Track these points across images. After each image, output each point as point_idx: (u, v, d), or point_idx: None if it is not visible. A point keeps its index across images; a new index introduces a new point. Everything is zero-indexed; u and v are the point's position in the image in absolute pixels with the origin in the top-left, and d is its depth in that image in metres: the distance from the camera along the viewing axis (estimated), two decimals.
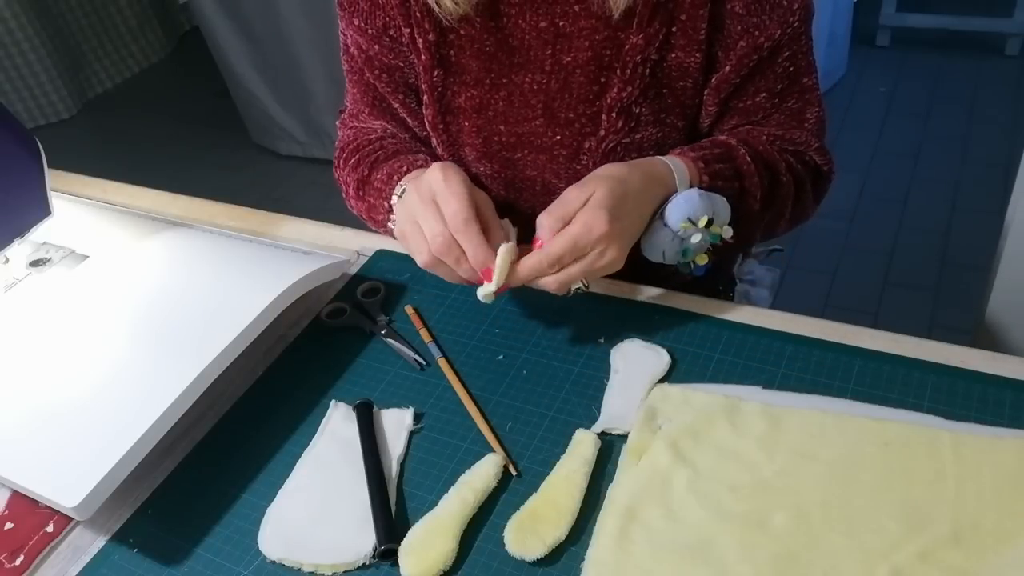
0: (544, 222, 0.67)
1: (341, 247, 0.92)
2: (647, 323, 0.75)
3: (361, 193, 0.84)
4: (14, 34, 3.13)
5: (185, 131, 3.17)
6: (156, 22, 3.72)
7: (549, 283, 0.67)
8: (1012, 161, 1.89)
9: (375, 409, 0.72)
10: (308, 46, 2.47)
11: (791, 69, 0.77)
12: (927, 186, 2.26)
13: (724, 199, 0.72)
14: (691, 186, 0.72)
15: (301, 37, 2.46)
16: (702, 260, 0.72)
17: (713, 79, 0.77)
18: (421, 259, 0.69)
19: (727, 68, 0.76)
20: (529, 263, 0.67)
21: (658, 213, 0.71)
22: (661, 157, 0.74)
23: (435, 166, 0.69)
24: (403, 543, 0.60)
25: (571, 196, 0.67)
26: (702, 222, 0.69)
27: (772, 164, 0.78)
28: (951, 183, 2.25)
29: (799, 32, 0.76)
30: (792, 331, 0.72)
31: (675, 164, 0.72)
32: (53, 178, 0.90)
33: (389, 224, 0.80)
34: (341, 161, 0.90)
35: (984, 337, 1.25)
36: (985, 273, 1.27)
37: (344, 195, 0.90)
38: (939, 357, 0.67)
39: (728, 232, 0.71)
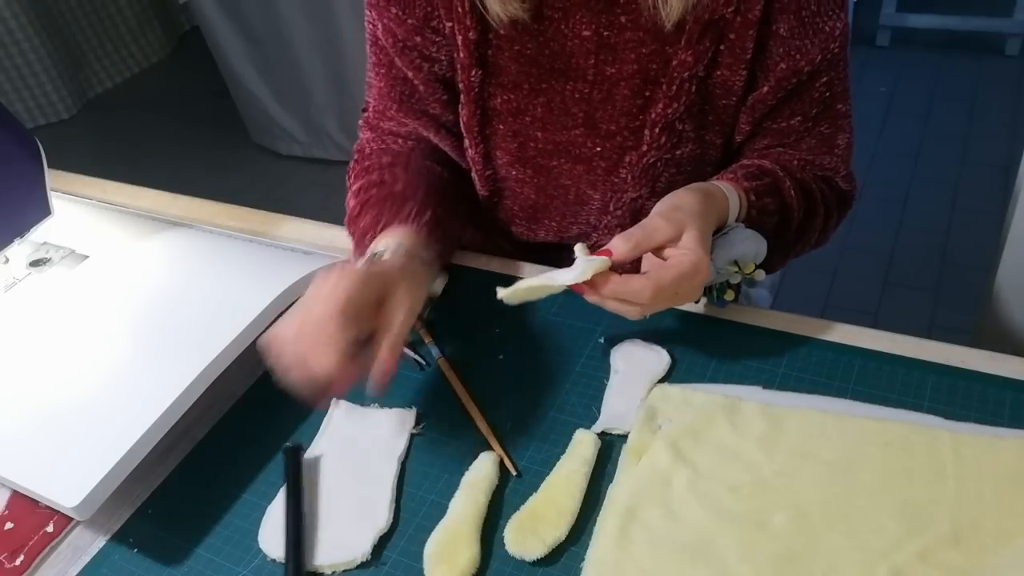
0: (620, 245, 0.63)
1: (341, 247, 0.92)
2: (647, 323, 0.75)
3: (351, 229, 0.82)
4: (14, 34, 3.13)
5: (185, 131, 3.17)
6: (156, 22, 3.72)
7: (633, 313, 0.64)
8: (1012, 161, 1.90)
9: (374, 407, 0.72)
10: (308, 46, 2.47)
11: (827, 95, 0.77)
12: (927, 186, 2.26)
13: (764, 241, 0.71)
14: (738, 217, 0.72)
15: (301, 37, 2.46)
16: (729, 296, 0.73)
17: (750, 99, 0.77)
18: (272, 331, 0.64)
19: (765, 89, 0.75)
20: (631, 287, 0.62)
21: None
22: (719, 184, 0.72)
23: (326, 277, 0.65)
24: (427, 552, 0.60)
25: (657, 225, 0.64)
26: (748, 268, 0.70)
27: (811, 195, 0.78)
28: (951, 183, 2.25)
29: (838, 58, 0.75)
30: (792, 331, 0.72)
31: (730, 194, 0.71)
32: (53, 178, 0.90)
33: None
34: (352, 173, 0.87)
35: (984, 337, 1.25)
36: (985, 273, 1.27)
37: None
38: (939, 357, 0.67)
39: (760, 275, 0.71)
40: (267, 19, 2.47)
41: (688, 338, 0.73)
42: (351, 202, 0.84)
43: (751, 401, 0.65)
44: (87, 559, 0.66)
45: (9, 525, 0.68)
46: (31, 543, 0.66)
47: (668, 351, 0.71)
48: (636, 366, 0.70)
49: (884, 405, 0.64)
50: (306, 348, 0.61)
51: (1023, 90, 2.57)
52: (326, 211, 0.99)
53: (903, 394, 0.65)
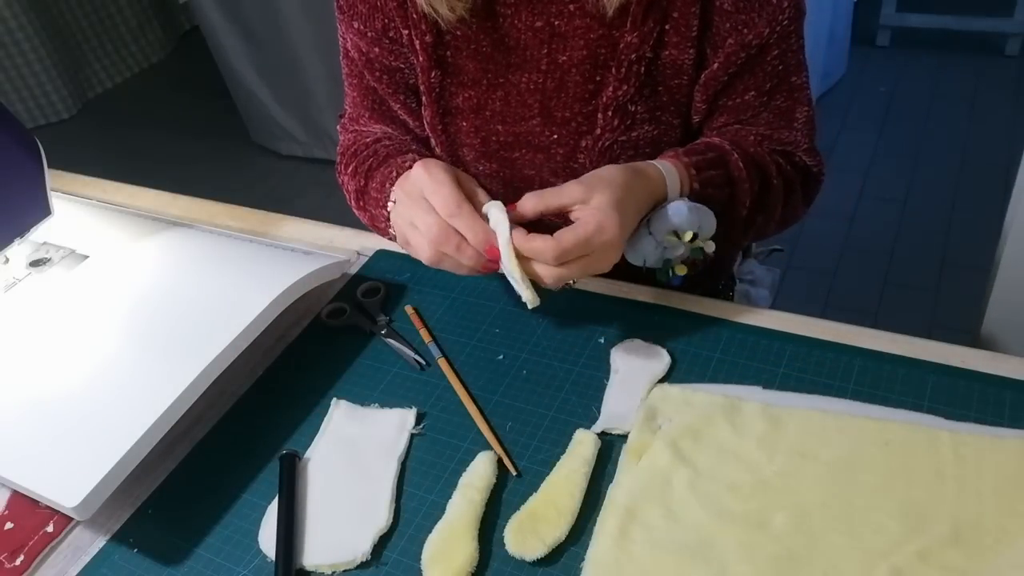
0: (530, 201, 0.66)
1: (341, 247, 0.92)
2: (647, 323, 0.75)
3: (362, 204, 0.84)
4: (14, 34, 3.13)
5: (185, 131, 3.17)
6: (156, 22, 3.72)
7: (545, 275, 0.65)
8: (1012, 161, 1.89)
9: (374, 407, 0.72)
10: (308, 46, 2.47)
11: (780, 68, 0.77)
12: (927, 186, 2.26)
13: (711, 212, 0.71)
14: (681, 192, 0.72)
15: (301, 37, 2.46)
16: (681, 271, 0.72)
17: (702, 76, 0.78)
18: (424, 256, 0.68)
19: (715, 65, 0.76)
20: (534, 245, 0.64)
21: (644, 219, 0.70)
22: (654, 161, 0.73)
23: (417, 165, 0.69)
24: (424, 554, 0.60)
25: (570, 189, 0.66)
26: (686, 236, 0.69)
27: (763, 167, 0.78)
28: (951, 183, 2.25)
29: (789, 31, 0.76)
30: (792, 331, 0.72)
31: (667, 170, 0.72)
32: (53, 178, 0.90)
33: (391, 231, 0.80)
34: (342, 167, 0.90)
35: (984, 337, 1.25)
36: (985, 273, 1.27)
37: (348, 202, 0.90)
38: (939, 357, 0.67)
39: (711, 247, 0.71)
40: (267, 19, 2.47)
41: (688, 338, 0.73)
42: (351, 183, 0.85)
43: (751, 401, 0.65)
44: (87, 559, 0.66)
45: (9, 525, 0.68)
46: (31, 543, 0.66)
47: (668, 351, 0.71)
48: (636, 366, 0.70)
49: (884, 405, 0.64)
50: (463, 228, 0.65)
51: (1023, 90, 2.57)
52: (326, 211, 0.99)
53: (903, 394, 0.65)
